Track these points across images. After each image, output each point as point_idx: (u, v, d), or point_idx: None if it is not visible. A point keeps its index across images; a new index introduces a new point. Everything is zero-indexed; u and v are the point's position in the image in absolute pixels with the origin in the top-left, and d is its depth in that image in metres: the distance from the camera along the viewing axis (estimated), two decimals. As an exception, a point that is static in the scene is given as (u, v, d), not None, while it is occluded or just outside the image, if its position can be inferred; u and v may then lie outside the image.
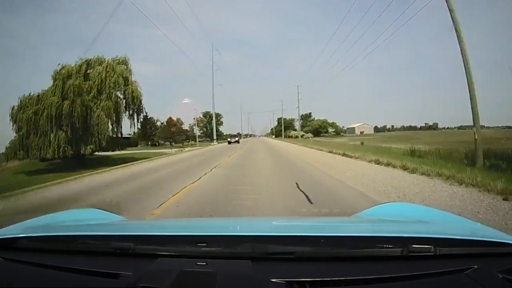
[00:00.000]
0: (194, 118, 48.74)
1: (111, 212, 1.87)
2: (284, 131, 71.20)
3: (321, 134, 64.98)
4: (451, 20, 8.40)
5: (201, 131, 64.76)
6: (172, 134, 52.17)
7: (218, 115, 66.33)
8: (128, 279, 0.85)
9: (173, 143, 47.42)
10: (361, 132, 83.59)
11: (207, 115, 65.07)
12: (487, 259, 0.89)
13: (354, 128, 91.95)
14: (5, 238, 1.11)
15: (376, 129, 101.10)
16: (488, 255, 0.92)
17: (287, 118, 76.31)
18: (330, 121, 74.35)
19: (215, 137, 47.99)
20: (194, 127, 51.78)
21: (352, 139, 43.88)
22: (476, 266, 0.84)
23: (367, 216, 1.69)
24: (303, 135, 59.98)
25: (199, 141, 46.24)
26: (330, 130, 71.91)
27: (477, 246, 0.94)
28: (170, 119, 53.63)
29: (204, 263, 0.89)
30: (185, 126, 57.96)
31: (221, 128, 71.58)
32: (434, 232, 1.06)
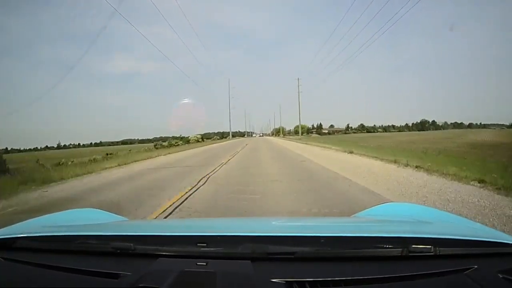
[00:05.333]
0: None
1: (111, 212, 1.88)
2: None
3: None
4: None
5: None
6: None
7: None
8: (128, 279, 0.85)
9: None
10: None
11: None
12: (487, 259, 0.89)
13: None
14: (5, 238, 1.11)
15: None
16: (488, 255, 0.92)
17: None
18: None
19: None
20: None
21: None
22: (476, 266, 0.84)
23: (367, 216, 1.69)
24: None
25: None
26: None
27: (477, 246, 0.94)
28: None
29: (204, 263, 0.88)
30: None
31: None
32: (434, 232, 1.06)
